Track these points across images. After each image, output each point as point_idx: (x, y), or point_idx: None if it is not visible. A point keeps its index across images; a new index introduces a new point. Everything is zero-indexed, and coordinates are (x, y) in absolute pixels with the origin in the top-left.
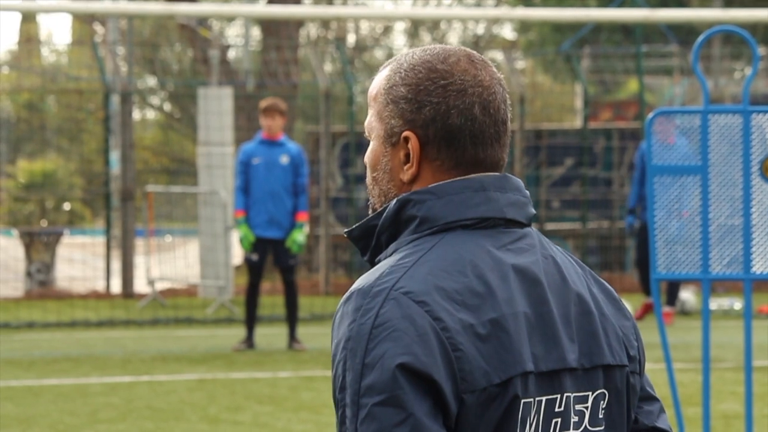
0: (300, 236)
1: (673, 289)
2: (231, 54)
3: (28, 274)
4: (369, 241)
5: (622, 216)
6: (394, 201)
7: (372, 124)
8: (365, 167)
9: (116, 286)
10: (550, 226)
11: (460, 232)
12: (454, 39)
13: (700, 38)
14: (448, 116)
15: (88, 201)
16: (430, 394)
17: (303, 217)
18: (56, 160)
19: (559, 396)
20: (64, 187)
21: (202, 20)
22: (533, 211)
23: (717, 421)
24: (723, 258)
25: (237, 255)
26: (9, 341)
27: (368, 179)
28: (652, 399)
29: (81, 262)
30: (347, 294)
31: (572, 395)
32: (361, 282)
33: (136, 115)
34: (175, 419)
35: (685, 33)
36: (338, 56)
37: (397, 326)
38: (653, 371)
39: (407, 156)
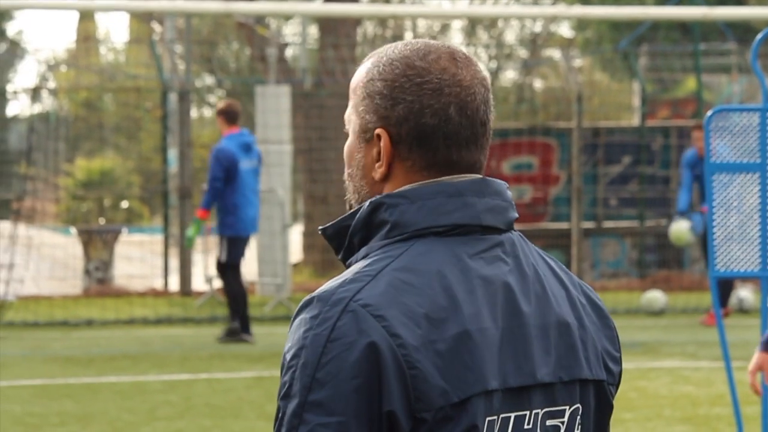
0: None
1: (725, 289)
2: (288, 52)
3: (87, 272)
4: (342, 240)
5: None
6: (367, 203)
7: (349, 116)
8: None
9: (174, 284)
10: (608, 224)
11: (431, 239)
12: (511, 37)
13: (759, 36)
14: (422, 115)
15: (146, 199)
16: (376, 420)
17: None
18: (114, 159)
19: (528, 413)
20: (122, 186)
21: (260, 18)
22: (515, 215)
23: None
24: None
25: (295, 253)
26: (68, 339)
27: (345, 173)
28: None
29: (139, 259)
30: (308, 298)
31: (542, 411)
32: (323, 288)
33: (194, 113)
34: (233, 417)
35: (743, 31)
36: None
37: (353, 343)
38: (712, 369)
39: (379, 154)
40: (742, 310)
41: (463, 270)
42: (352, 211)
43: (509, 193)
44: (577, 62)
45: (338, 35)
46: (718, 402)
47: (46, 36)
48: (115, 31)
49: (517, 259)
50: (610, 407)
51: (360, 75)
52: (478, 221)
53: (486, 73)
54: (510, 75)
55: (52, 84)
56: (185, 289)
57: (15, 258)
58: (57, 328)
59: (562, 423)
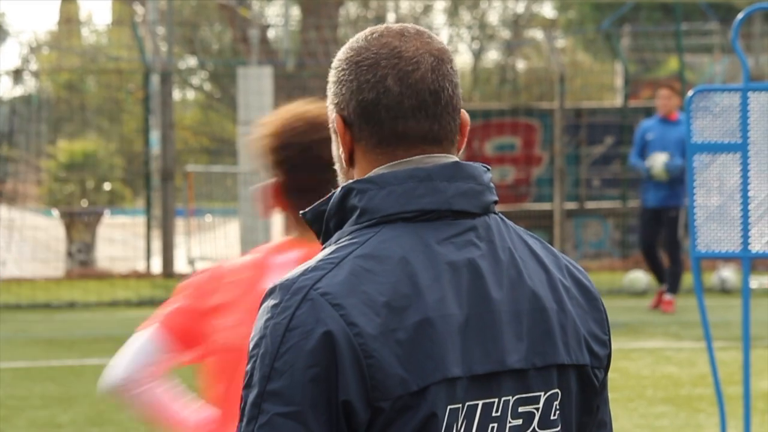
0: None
1: (675, 276)
2: (271, 33)
3: (69, 254)
4: (320, 226)
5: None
6: (339, 189)
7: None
8: None
9: (157, 266)
10: (590, 204)
11: (399, 225)
12: (493, 18)
13: (741, 16)
14: (360, 92)
15: (129, 181)
16: (333, 409)
17: None
18: (96, 141)
19: (496, 400)
20: (105, 168)
21: (242, 0)
22: (492, 198)
23: (758, 399)
24: (763, 235)
25: (277, 234)
26: (50, 321)
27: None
28: (604, 425)
29: (121, 242)
30: (271, 286)
31: (513, 398)
32: (287, 275)
33: (176, 95)
34: None
35: (725, 11)
36: None
37: (309, 332)
38: (694, 350)
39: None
40: (725, 291)
41: (429, 256)
42: (327, 196)
43: (487, 176)
44: (560, 43)
45: (320, 16)
46: (700, 382)
47: (28, 18)
48: (97, 12)
49: (491, 243)
50: (596, 390)
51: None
52: (448, 206)
53: (443, 45)
54: (493, 56)
55: (34, 66)
56: (168, 271)
57: None
58: (39, 311)
59: (537, 409)
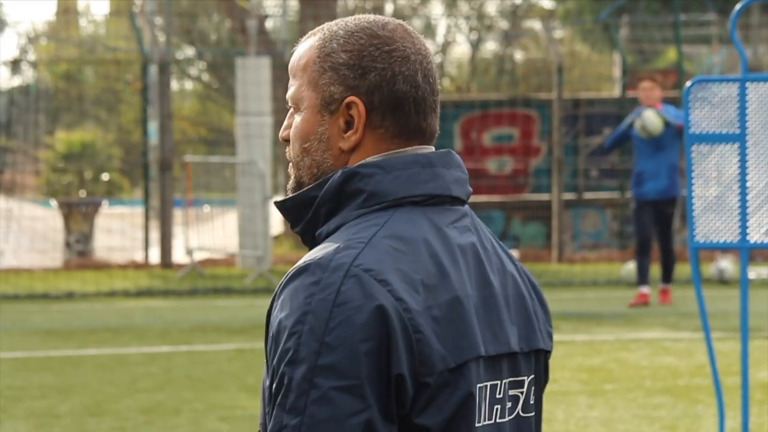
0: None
1: (668, 267)
2: (269, 24)
3: (67, 244)
4: (304, 213)
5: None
6: (339, 173)
7: (300, 94)
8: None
9: (155, 257)
10: (589, 195)
11: (410, 208)
12: (491, 8)
13: (739, 7)
14: (395, 82)
15: (127, 171)
16: (385, 383)
17: None
18: (94, 131)
19: (499, 382)
20: (103, 158)
21: None
22: (471, 189)
23: (755, 390)
24: (761, 226)
25: (275, 225)
26: (48, 311)
27: (295, 151)
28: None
29: (119, 232)
30: (303, 265)
31: (508, 381)
32: (315, 255)
33: (174, 85)
34: (213, 389)
35: (723, 1)
36: None
37: (360, 307)
38: (692, 340)
39: (348, 123)
40: (723, 281)
41: (443, 238)
42: (318, 182)
43: (465, 167)
44: (558, 33)
45: (318, 7)
46: (699, 373)
47: (25, 8)
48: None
49: (478, 231)
50: (548, 379)
51: (310, 52)
52: (449, 192)
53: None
54: (491, 46)
55: (32, 56)
56: (166, 262)
57: None
58: (37, 301)
59: (522, 393)
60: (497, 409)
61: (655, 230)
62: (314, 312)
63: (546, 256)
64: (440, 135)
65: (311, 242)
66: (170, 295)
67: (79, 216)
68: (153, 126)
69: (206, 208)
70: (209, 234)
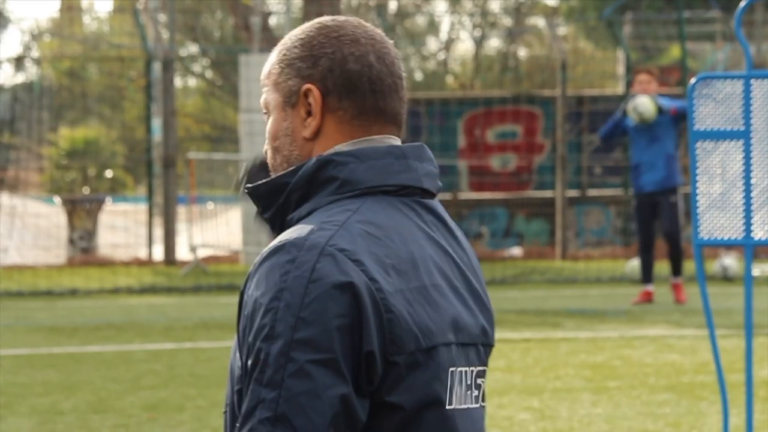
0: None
1: (677, 260)
2: (272, 21)
3: (71, 241)
4: (275, 198)
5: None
6: (313, 160)
7: (267, 99)
8: (408, 134)
9: (158, 253)
10: (592, 192)
11: (381, 197)
12: (495, 5)
13: (743, 4)
14: (345, 62)
15: (130, 168)
16: (357, 359)
17: None
18: (98, 128)
19: (467, 369)
20: (106, 155)
21: None
22: (440, 184)
23: (760, 387)
24: (765, 223)
25: None
26: (52, 308)
27: (270, 153)
28: None
29: (123, 229)
30: (276, 245)
31: (476, 369)
32: (290, 235)
33: (178, 82)
34: (217, 386)
35: None
36: (379, 23)
37: (335, 284)
38: (696, 338)
39: (308, 112)
40: (727, 278)
41: (412, 228)
42: (291, 169)
43: (435, 162)
44: (562, 30)
45: (322, 4)
46: (703, 370)
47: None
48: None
49: (446, 224)
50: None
51: (270, 60)
52: (420, 184)
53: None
54: (494, 43)
55: (35, 53)
56: (170, 259)
57: None
58: (41, 298)
59: (483, 383)
60: (468, 395)
61: (660, 222)
62: (290, 288)
63: (549, 253)
64: (444, 131)
65: (280, 228)
66: (174, 292)
67: (82, 213)
68: (156, 123)
69: (210, 205)
70: (213, 231)
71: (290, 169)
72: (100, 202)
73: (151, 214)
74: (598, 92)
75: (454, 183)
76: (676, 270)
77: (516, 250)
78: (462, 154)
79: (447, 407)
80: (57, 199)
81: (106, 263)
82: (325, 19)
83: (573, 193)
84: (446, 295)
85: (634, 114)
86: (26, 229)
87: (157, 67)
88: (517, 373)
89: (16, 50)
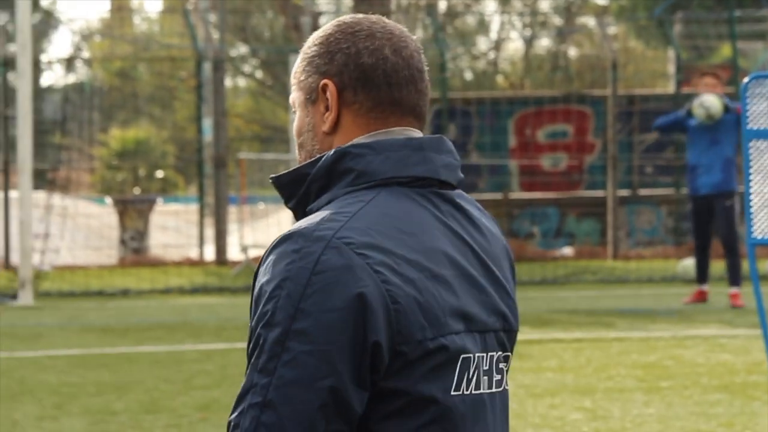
0: None
1: (735, 267)
2: (323, 21)
3: (122, 241)
4: (297, 188)
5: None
6: (332, 152)
7: (293, 98)
8: (458, 134)
9: (209, 253)
10: (644, 192)
11: (396, 188)
12: (545, 5)
13: None
14: (360, 56)
15: (181, 168)
16: (360, 350)
17: None
18: (148, 128)
19: (485, 355)
20: (157, 155)
21: None
22: (462, 175)
23: None
24: None
25: None
26: (104, 308)
27: (296, 151)
28: None
29: (174, 229)
30: (287, 233)
31: (496, 354)
32: (300, 225)
33: (228, 82)
34: None
35: None
36: (430, 22)
37: (338, 277)
38: (749, 337)
39: (327, 107)
40: None
41: (426, 219)
42: (311, 160)
43: (457, 154)
44: (612, 30)
45: (372, 3)
46: (755, 370)
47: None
48: (149, 0)
49: (467, 214)
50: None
51: (297, 60)
52: (437, 175)
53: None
54: (545, 43)
55: (86, 54)
56: (221, 259)
57: (50, 228)
58: (93, 298)
59: (504, 366)
60: (485, 380)
61: (716, 227)
62: (293, 278)
63: (601, 252)
64: (495, 131)
65: (302, 218)
66: (225, 291)
67: (134, 213)
68: (207, 123)
69: (261, 205)
70: (264, 231)
71: (311, 160)
72: (151, 203)
73: (202, 214)
74: (648, 91)
75: (505, 183)
76: (734, 280)
77: (567, 250)
78: (513, 154)
79: (453, 393)
80: (108, 200)
81: (158, 263)
82: (345, 17)
83: (624, 192)
84: (458, 285)
85: (701, 110)
86: (78, 230)
87: (207, 67)
88: (569, 373)
89: (67, 51)
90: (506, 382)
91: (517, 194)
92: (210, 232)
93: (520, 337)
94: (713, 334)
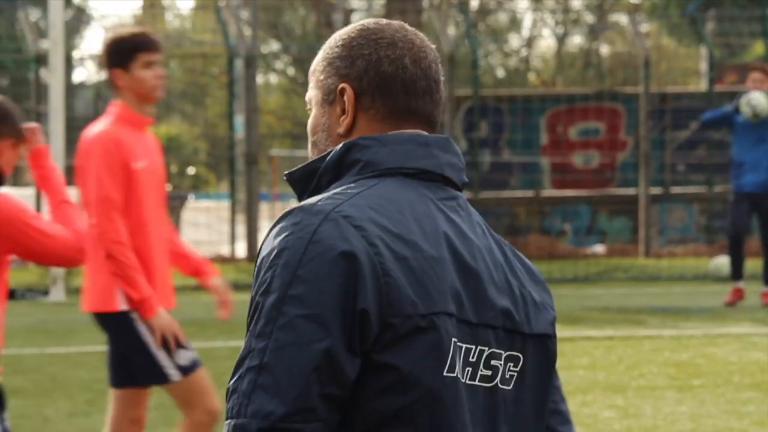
0: None
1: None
2: (354, 18)
3: None
4: (309, 183)
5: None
6: (341, 145)
7: (310, 95)
8: (490, 131)
9: (241, 251)
10: (676, 189)
11: (400, 178)
12: (577, 2)
13: None
14: (380, 64)
15: (213, 165)
16: (350, 316)
17: None
18: (180, 125)
19: (473, 347)
20: (188, 152)
21: None
22: (466, 179)
23: None
24: None
25: None
26: None
27: (309, 149)
28: (559, 413)
29: (206, 226)
30: (289, 209)
31: (489, 350)
32: (303, 202)
33: (260, 79)
34: None
35: None
36: (462, 20)
37: (333, 246)
38: None
39: (343, 110)
40: None
41: (427, 207)
42: (322, 154)
43: (463, 159)
44: (644, 27)
45: (405, 1)
46: None
47: (112, 2)
48: None
49: (469, 214)
50: (553, 361)
51: (317, 58)
52: (441, 171)
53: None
54: (577, 40)
55: None
56: (252, 255)
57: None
58: None
59: (501, 364)
60: (470, 372)
61: (761, 226)
62: (291, 248)
63: (633, 250)
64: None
65: None
66: None
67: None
68: (239, 120)
69: (292, 202)
70: None
71: (321, 155)
72: (182, 199)
73: (233, 211)
74: (681, 89)
75: (537, 180)
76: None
77: (599, 248)
78: (544, 151)
79: (446, 374)
80: None
81: None
82: (369, 21)
83: (656, 190)
84: (453, 271)
85: (747, 108)
86: None
87: (239, 63)
88: (601, 370)
89: (99, 47)
90: (502, 380)
91: (549, 192)
92: (241, 229)
93: None
94: (745, 333)
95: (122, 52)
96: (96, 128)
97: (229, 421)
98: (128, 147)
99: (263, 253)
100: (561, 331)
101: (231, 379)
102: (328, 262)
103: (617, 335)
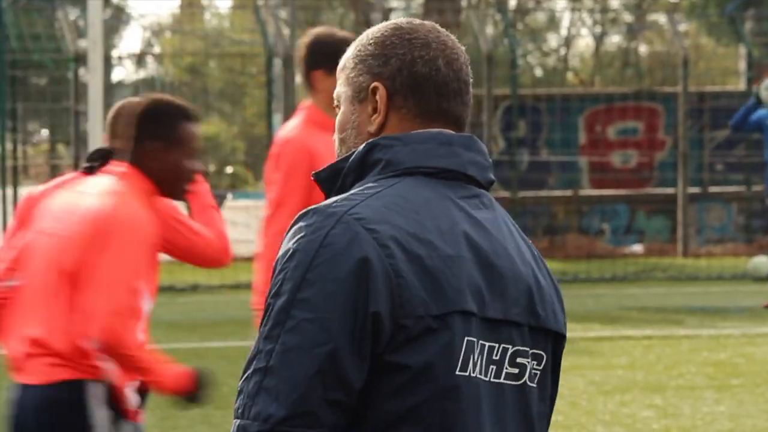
0: None
1: None
2: (393, 17)
3: None
4: (335, 183)
5: None
6: (363, 145)
7: (339, 92)
8: (528, 130)
9: None
10: (714, 189)
11: (421, 177)
12: (616, 2)
13: None
14: (414, 65)
15: (251, 164)
16: (360, 320)
17: None
18: (218, 124)
19: (496, 345)
20: (227, 151)
21: None
22: (492, 177)
23: None
24: None
25: None
26: (173, 304)
27: (336, 145)
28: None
29: (244, 225)
30: (305, 210)
31: (513, 348)
32: (320, 203)
33: (299, 78)
34: None
35: None
36: (500, 19)
37: (343, 249)
38: None
39: (375, 109)
40: None
41: (446, 207)
42: (346, 155)
43: (489, 157)
44: (683, 26)
45: (443, 0)
46: None
47: (150, 1)
48: None
49: (494, 212)
50: (560, 361)
51: (347, 54)
52: (463, 169)
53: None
54: (615, 40)
55: (156, 49)
56: None
57: None
58: (162, 293)
59: (528, 362)
60: (492, 369)
61: None
62: (302, 251)
63: (671, 250)
64: (565, 128)
65: None
66: None
67: None
68: (277, 119)
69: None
70: None
71: (346, 155)
72: (221, 198)
73: None
74: (719, 89)
75: (575, 179)
76: None
77: (637, 247)
78: (583, 151)
79: (458, 372)
80: None
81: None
82: (402, 20)
83: (694, 189)
84: (473, 269)
85: (766, 92)
86: None
87: (277, 63)
88: (640, 370)
89: (138, 47)
90: (530, 378)
91: (587, 191)
92: None
93: (590, 333)
94: None
95: (328, 56)
96: (286, 130)
97: (235, 420)
98: (314, 151)
99: (279, 254)
100: (600, 331)
101: (240, 379)
102: (338, 266)
103: (656, 335)
